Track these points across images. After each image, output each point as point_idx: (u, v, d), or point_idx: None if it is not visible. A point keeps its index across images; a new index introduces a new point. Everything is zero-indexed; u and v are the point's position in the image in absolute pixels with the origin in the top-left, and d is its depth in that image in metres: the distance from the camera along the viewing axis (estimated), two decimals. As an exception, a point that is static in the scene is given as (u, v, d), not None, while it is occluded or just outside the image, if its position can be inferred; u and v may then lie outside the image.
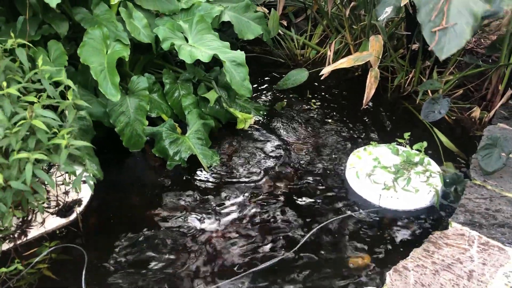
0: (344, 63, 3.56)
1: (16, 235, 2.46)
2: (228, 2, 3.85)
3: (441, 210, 2.71)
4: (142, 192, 2.89)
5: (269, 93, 3.92)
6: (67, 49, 2.98)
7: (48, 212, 2.60)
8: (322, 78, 3.81)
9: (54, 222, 2.57)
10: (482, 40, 4.26)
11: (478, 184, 2.63)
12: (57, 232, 2.55)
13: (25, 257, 2.38)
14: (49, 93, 2.44)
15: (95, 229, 2.61)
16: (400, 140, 3.08)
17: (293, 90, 3.90)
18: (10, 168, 2.19)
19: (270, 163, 3.13)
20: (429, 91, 3.58)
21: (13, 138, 2.18)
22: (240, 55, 3.22)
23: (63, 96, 2.56)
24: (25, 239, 2.46)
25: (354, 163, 2.98)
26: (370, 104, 3.71)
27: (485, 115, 3.36)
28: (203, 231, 2.60)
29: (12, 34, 2.54)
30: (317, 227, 2.61)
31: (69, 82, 2.47)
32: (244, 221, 2.67)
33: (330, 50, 3.94)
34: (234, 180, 2.99)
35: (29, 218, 2.54)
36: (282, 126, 3.50)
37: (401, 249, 2.47)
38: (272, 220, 2.68)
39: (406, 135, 3.05)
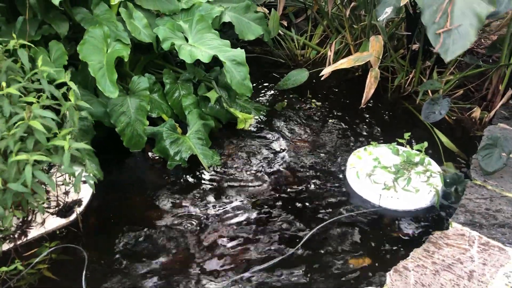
0: (344, 63, 3.57)
1: (16, 236, 2.46)
2: (228, 2, 3.86)
3: (441, 210, 2.70)
4: (143, 192, 2.89)
5: (270, 93, 3.92)
6: (68, 49, 2.98)
7: (48, 212, 2.60)
8: (322, 78, 3.81)
9: (54, 223, 2.56)
10: (482, 40, 4.26)
11: (478, 184, 2.63)
12: (57, 232, 2.55)
13: (25, 258, 2.38)
14: (47, 94, 2.44)
15: (95, 229, 2.61)
16: (400, 140, 3.07)
17: (294, 90, 3.90)
18: (9, 169, 2.19)
19: (270, 163, 3.13)
20: (429, 91, 3.59)
21: (10, 140, 2.18)
22: (240, 53, 3.22)
23: (63, 96, 2.57)
24: (25, 239, 2.46)
25: (354, 163, 2.97)
26: (371, 104, 3.71)
27: (486, 115, 3.36)
28: (203, 231, 2.60)
29: (14, 35, 2.53)
30: (317, 227, 2.60)
31: (71, 84, 2.47)
32: (244, 221, 2.67)
33: (331, 51, 3.94)
34: (235, 180, 2.98)
35: (29, 218, 2.54)
36: (282, 126, 3.50)
37: (401, 249, 2.47)
38: (272, 220, 2.68)
39: (407, 135, 3.05)
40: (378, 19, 3.21)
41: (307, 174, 3.03)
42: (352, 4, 3.98)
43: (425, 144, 2.95)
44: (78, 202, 2.68)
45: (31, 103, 2.31)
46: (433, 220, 2.66)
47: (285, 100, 3.80)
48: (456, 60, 3.69)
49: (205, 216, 2.70)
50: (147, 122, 3.08)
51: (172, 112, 3.32)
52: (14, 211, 2.33)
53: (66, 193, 2.72)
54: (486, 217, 2.39)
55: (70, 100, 2.44)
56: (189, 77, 3.41)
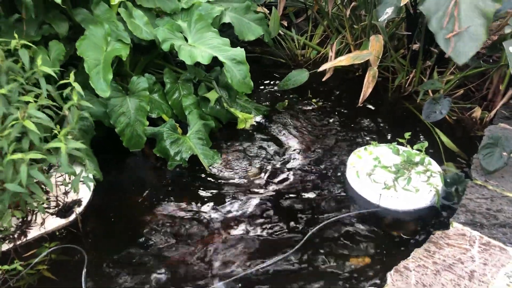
0: (343, 60, 3.57)
1: (16, 236, 2.45)
2: (228, 2, 3.85)
3: (442, 210, 2.70)
4: (142, 193, 2.88)
5: (270, 93, 3.92)
6: (68, 49, 2.98)
7: (48, 212, 2.60)
8: (323, 79, 3.82)
9: (53, 223, 2.56)
10: (481, 46, 4.25)
11: (479, 184, 2.62)
12: (57, 232, 2.55)
13: (25, 258, 2.38)
14: (44, 93, 2.44)
15: (95, 230, 2.60)
16: (400, 140, 3.07)
17: (294, 91, 3.89)
18: (5, 169, 2.18)
19: (270, 162, 3.12)
20: (430, 91, 3.58)
21: (4, 140, 2.17)
22: (240, 52, 3.22)
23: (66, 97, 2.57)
24: (24, 239, 2.46)
25: (355, 162, 2.97)
26: (371, 104, 3.71)
27: (486, 115, 3.36)
28: (203, 231, 2.60)
29: (15, 35, 2.53)
30: (318, 227, 2.60)
31: (75, 84, 2.46)
32: (245, 221, 2.66)
33: (331, 51, 3.94)
34: (235, 180, 2.98)
35: (29, 218, 2.54)
36: (282, 126, 3.50)
37: (402, 249, 2.47)
38: (272, 219, 2.67)
39: (407, 135, 3.04)
40: (379, 20, 3.21)
41: (307, 173, 3.03)
42: (353, 4, 3.97)
43: (426, 143, 2.94)
44: (77, 203, 2.68)
45: (27, 103, 2.31)
46: (433, 220, 2.65)
47: (286, 100, 3.79)
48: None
49: (205, 216, 2.70)
50: (147, 123, 3.08)
51: (172, 112, 3.32)
52: (14, 211, 2.33)
53: (66, 193, 2.71)
54: (487, 217, 2.38)
55: (73, 100, 2.44)
56: (190, 77, 3.41)
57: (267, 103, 3.78)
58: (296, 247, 2.48)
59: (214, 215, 2.71)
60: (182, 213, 2.72)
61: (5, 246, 2.39)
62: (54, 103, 2.55)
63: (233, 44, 3.46)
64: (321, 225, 2.61)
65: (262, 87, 4.01)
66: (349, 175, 2.92)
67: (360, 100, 3.59)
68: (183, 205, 2.78)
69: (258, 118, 3.56)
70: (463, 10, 2.71)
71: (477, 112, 3.39)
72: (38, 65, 2.44)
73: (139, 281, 2.30)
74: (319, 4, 4.28)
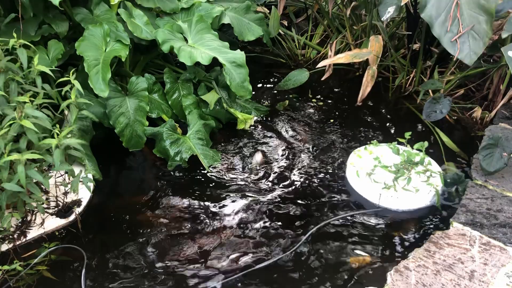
0: (342, 58, 3.56)
1: (15, 236, 2.45)
2: (228, 2, 3.85)
3: (442, 210, 2.69)
4: (142, 193, 2.88)
5: (270, 93, 3.92)
6: (67, 49, 2.98)
7: (47, 213, 2.59)
8: (322, 78, 3.81)
9: (53, 223, 2.56)
10: (488, 43, 4.24)
11: (479, 184, 2.62)
12: (57, 233, 2.54)
13: (24, 258, 2.38)
14: (40, 92, 2.44)
15: (95, 230, 2.60)
16: (401, 140, 3.07)
17: (294, 90, 3.89)
18: (1, 170, 2.18)
19: (270, 162, 3.12)
20: (430, 91, 3.58)
21: (1, 140, 2.17)
22: (240, 55, 3.21)
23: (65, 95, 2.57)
24: (24, 240, 2.45)
25: (355, 162, 2.97)
26: (372, 103, 3.71)
27: (487, 115, 3.35)
28: (203, 231, 2.60)
29: (14, 34, 2.52)
30: (317, 226, 2.60)
31: (75, 82, 2.46)
32: (244, 221, 2.66)
33: (331, 50, 3.93)
34: (235, 180, 2.98)
35: (29, 219, 2.53)
36: (283, 126, 3.49)
37: (402, 249, 2.47)
38: (272, 219, 2.67)
39: (407, 134, 3.04)
40: (382, 19, 3.20)
41: (307, 173, 3.02)
42: (353, 3, 3.97)
43: (426, 143, 2.94)
44: (77, 203, 2.67)
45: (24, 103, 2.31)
46: (433, 220, 2.65)
47: (287, 100, 3.78)
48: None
49: (205, 216, 2.69)
50: (147, 123, 3.07)
51: (172, 112, 3.32)
52: (13, 212, 2.32)
53: (65, 193, 2.71)
54: (487, 217, 2.38)
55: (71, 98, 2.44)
56: (189, 77, 3.41)
57: (267, 103, 3.78)
58: (296, 246, 2.48)
59: (214, 215, 2.70)
60: (181, 214, 2.71)
61: (5, 247, 2.39)
62: (53, 101, 2.55)
63: (233, 44, 3.45)
64: (320, 224, 2.61)
65: (262, 87, 4.00)
66: (349, 175, 2.92)
67: (359, 99, 3.59)
68: (183, 205, 2.78)
69: (259, 118, 3.55)
70: (465, 9, 2.71)
71: (478, 112, 3.39)
72: (35, 64, 2.43)
73: (139, 281, 2.30)
74: (319, 4, 4.28)
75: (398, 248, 2.48)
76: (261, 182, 2.96)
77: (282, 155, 3.19)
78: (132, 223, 2.65)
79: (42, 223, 2.53)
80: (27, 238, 2.46)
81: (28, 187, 2.23)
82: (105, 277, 2.32)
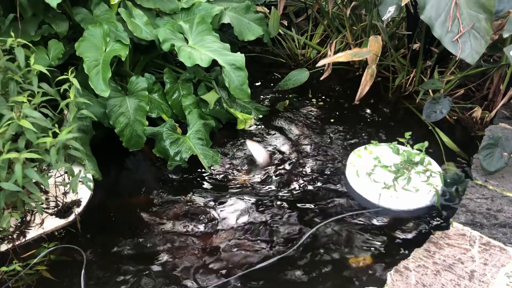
0: (341, 57, 3.55)
1: (14, 236, 2.45)
2: (228, 2, 3.85)
3: (442, 210, 2.69)
4: (142, 193, 2.88)
5: (270, 93, 3.91)
6: (67, 49, 2.98)
7: (47, 213, 2.59)
8: (321, 77, 3.81)
9: (53, 223, 2.55)
10: (489, 41, 4.24)
11: (479, 184, 2.61)
12: (56, 233, 2.54)
13: (24, 258, 2.37)
14: (36, 92, 2.43)
15: (94, 230, 2.59)
16: (401, 140, 3.06)
17: (294, 90, 3.88)
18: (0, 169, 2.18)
19: (270, 162, 3.11)
20: (430, 91, 3.57)
21: None
22: (240, 58, 3.21)
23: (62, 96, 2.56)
24: (23, 240, 2.45)
25: (354, 161, 2.96)
26: (372, 103, 3.70)
27: (487, 115, 3.35)
28: (203, 231, 2.59)
29: (12, 34, 2.52)
30: (317, 226, 2.59)
31: (74, 80, 2.46)
32: (244, 221, 2.66)
33: (331, 50, 3.93)
34: (235, 179, 2.98)
35: (28, 219, 2.53)
36: (282, 125, 3.49)
37: (401, 249, 2.46)
38: (272, 219, 2.67)
39: (407, 134, 3.04)
40: (382, 18, 3.20)
41: (307, 173, 3.02)
42: (353, 3, 3.97)
43: (426, 143, 2.94)
44: (77, 203, 2.67)
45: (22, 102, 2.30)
46: (433, 220, 2.65)
47: (287, 100, 3.78)
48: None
49: (205, 216, 2.69)
50: (147, 122, 3.07)
51: (172, 112, 3.32)
52: (12, 212, 2.32)
53: (65, 193, 2.71)
54: (487, 217, 2.38)
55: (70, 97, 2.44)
56: (189, 77, 3.40)
57: (267, 102, 3.77)
58: (295, 246, 2.47)
59: (214, 215, 2.70)
60: (181, 214, 2.71)
61: (4, 247, 2.39)
62: (52, 97, 2.55)
63: (233, 44, 3.45)
64: (320, 224, 2.61)
65: (262, 86, 4.00)
66: (348, 175, 2.91)
67: (357, 97, 3.59)
68: (183, 205, 2.77)
69: (259, 118, 3.55)
70: (464, 9, 2.71)
71: (478, 112, 3.39)
72: (31, 63, 2.43)
73: (138, 281, 2.30)
74: (319, 4, 4.28)
75: (398, 248, 2.48)
76: (260, 182, 2.95)
77: (281, 155, 3.18)
78: (131, 223, 2.65)
79: (41, 223, 2.53)
80: (27, 238, 2.46)
81: (27, 187, 2.23)
82: (105, 277, 2.32)
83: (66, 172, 2.54)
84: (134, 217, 2.69)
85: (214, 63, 3.18)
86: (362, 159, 2.98)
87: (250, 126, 3.45)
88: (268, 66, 4.33)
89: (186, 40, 3.31)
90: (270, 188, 2.91)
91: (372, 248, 2.48)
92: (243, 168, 3.08)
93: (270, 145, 3.28)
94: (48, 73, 2.54)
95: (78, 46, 2.83)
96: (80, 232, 2.55)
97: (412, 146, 2.98)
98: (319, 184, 2.94)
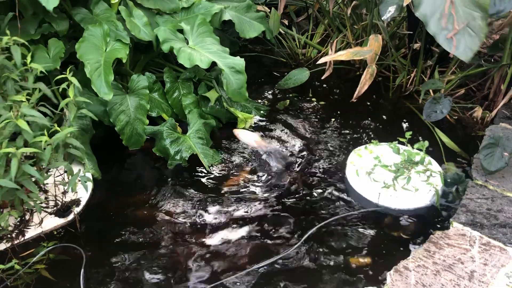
0: (342, 55, 3.55)
1: (13, 235, 2.45)
2: (228, 2, 3.84)
3: (441, 210, 2.69)
4: (142, 192, 2.87)
5: (270, 92, 3.91)
6: (68, 47, 2.98)
7: (46, 212, 2.59)
8: (323, 77, 3.81)
9: (52, 222, 2.55)
10: (484, 39, 4.23)
11: (479, 184, 2.61)
12: (55, 232, 2.54)
13: (23, 257, 2.37)
14: (31, 89, 2.43)
15: (94, 229, 2.59)
16: (401, 139, 3.06)
17: (295, 90, 3.88)
18: None
19: (270, 161, 3.11)
20: (430, 91, 3.57)
21: None
22: (239, 61, 3.19)
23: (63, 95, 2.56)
24: (22, 239, 2.45)
25: (355, 161, 2.96)
26: (372, 103, 3.70)
27: (487, 115, 3.35)
28: (203, 230, 2.59)
29: (7, 31, 2.52)
30: (317, 226, 2.59)
31: (73, 79, 2.45)
32: (244, 220, 2.66)
33: (332, 49, 3.93)
34: (235, 179, 2.97)
35: (27, 218, 2.53)
36: (283, 125, 3.48)
37: (401, 249, 2.46)
38: (271, 219, 2.67)
39: (408, 134, 3.03)
40: (382, 18, 3.19)
41: (307, 172, 3.02)
42: (354, 3, 3.96)
43: (426, 143, 2.93)
44: (76, 202, 2.67)
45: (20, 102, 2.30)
46: (433, 219, 2.65)
47: (288, 100, 3.77)
48: (458, 60, 3.67)
49: (205, 216, 2.69)
50: (147, 121, 3.07)
51: (172, 111, 3.31)
52: (11, 211, 2.32)
53: (64, 192, 2.70)
54: (487, 217, 2.38)
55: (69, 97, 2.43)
56: (190, 76, 3.40)
57: (268, 102, 3.77)
58: (295, 246, 2.47)
59: (214, 214, 2.70)
60: (182, 213, 2.71)
61: (3, 246, 2.39)
62: (51, 97, 2.55)
63: (234, 45, 3.43)
64: (320, 224, 2.61)
65: (263, 86, 3.99)
66: (348, 174, 2.91)
67: (355, 95, 3.59)
68: (183, 204, 2.77)
69: (259, 117, 3.54)
70: (460, 6, 2.70)
71: (478, 112, 3.38)
72: (28, 62, 2.42)
73: (138, 280, 2.30)
74: (320, 3, 4.27)
75: (398, 247, 2.48)
76: (260, 181, 2.95)
77: (282, 154, 3.18)
78: (131, 222, 2.65)
79: (40, 223, 2.53)
80: (25, 237, 2.46)
81: (25, 185, 2.22)
82: (104, 276, 2.32)
83: (65, 171, 2.54)
84: (133, 216, 2.69)
85: (214, 62, 3.18)
86: (362, 158, 2.98)
87: (250, 126, 3.45)
88: (268, 65, 4.33)
89: (187, 41, 3.31)
90: (270, 187, 2.90)
91: (371, 248, 2.48)
92: (243, 167, 3.07)
93: (269, 145, 3.28)
94: (46, 73, 2.53)
95: (78, 48, 2.83)
96: (80, 231, 2.55)
97: (412, 146, 2.97)
98: (319, 183, 2.93)
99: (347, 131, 3.41)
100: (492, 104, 3.46)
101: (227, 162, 3.12)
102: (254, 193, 2.86)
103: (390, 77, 3.87)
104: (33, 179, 2.33)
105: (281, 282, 2.29)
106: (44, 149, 2.26)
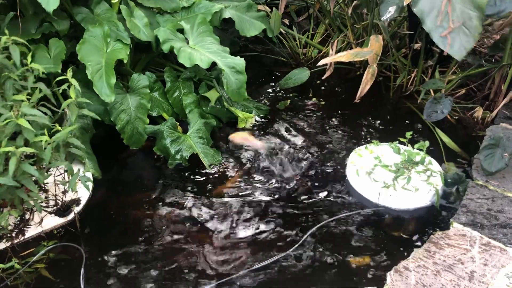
0: (343, 56, 3.54)
1: (13, 234, 2.45)
2: (229, 1, 3.84)
3: (441, 210, 2.69)
4: (142, 191, 2.87)
5: (271, 92, 3.91)
6: (68, 47, 2.98)
7: (46, 211, 2.59)
8: (323, 77, 3.80)
9: (52, 222, 2.55)
10: (485, 39, 4.23)
11: (480, 184, 2.61)
12: (55, 232, 2.54)
13: (23, 257, 2.37)
14: (32, 90, 2.43)
15: (94, 229, 2.59)
16: (402, 139, 3.06)
17: (295, 90, 3.88)
18: None
19: (270, 161, 3.11)
20: (431, 91, 3.56)
21: None
22: (240, 61, 3.20)
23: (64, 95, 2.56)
24: (22, 238, 2.45)
25: (355, 161, 2.96)
26: (373, 103, 3.70)
27: (488, 115, 3.34)
28: (204, 230, 2.59)
29: (6, 31, 2.51)
30: (317, 226, 2.59)
31: (72, 81, 2.45)
32: (244, 219, 2.66)
33: (332, 49, 3.92)
34: (235, 178, 2.97)
35: (27, 217, 2.53)
36: (283, 125, 3.48)
37: (401, 249, 2.46)
38: (271, 218, 2.67)
39: (408, 134, 3.03)
40: (381, 19, 3.19)
41: (308, 171, 3.02)
42: (354, 2, 3.96)
43: (427, 143, 2.93)
44: (76, 201, 2.67)
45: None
46: (433, 219, 2.64)
47: (288, 100, 3.77)
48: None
49: (205, 215, 2.69)
50: (148, 120, 3.08)
51: (173, 110, 3.31)
52: (11, 210, 2.32)
53: (64, 192, 2.70)
54: (488, 218, 2.37)
55: (70, 98, 2.43)
56: (190, 76, 3.40)
57: (268, 102, 3.76)
58: (295, 246, 2.47)
59: (214, 214, 2.70)
60: (182, 212, 2.71)
61: (3, 245, 2.39)
62: (51, 100, 2.55)
63: (234, 44, 3.43)
64: (320, 224, 2.61)
65: (263, 86, 3.99)
66: (349, 174, 2.91)
67: (357, 96, 3.59)
68: (183, 204, 2.77)
69: (260, 117, 3.54)
70: (457, 5, 2.70)
71: (479, 112, 3.38)
72: (28, 62, 2.42)
73: (138, 280, 2.30)
74: (321, 3, 4.27)
75: (398, 248, 2.47)
76: (261, 181, 2.95)
77: (282, 154, 3.18)
78: (131, 222, 2.65)
79: (40, 222, 2.53)
80: (25, 237, 2.46)
81: (25, 184, 2.22)
82: (104, 275, 2.32)
83: (66, 171, 2.54)
84: (133, 216, 2.69)
85: (215, 62, 3.18)
86: (362, 158, 2.98)
87: (250, 125, 3.45)
88: (269, 65, 4.33)
89: (187, 41, 3.31)
90: (270, 186, 2.90)
91: (371, 248, 2.47)
92: (243, 167, 3.07)
93: (269, 144, 3.27)
94: (44, 71, 2.53)
95: (79, 49, 2.84)
96: (80, 230, 2.55)
97: (413, 146, 2.97)
98: (319, 183, 2.93)
99: (348, 131, 3.41)
100: (492, 104, 3.45)
101: (227, 161, 3.12)
102: (254, 192, 2.86)
103: (391, 77, 3.87)
104: (33, 179, 2.33)
105: (281, 282, 2.29)
106: (45, 148, 2.26)
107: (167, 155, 3.06)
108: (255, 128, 3.43)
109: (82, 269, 2.31)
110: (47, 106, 2.49)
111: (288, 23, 4.58)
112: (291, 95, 3.85)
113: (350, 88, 3.89)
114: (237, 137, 3.31)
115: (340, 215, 2.68)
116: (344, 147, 3.25)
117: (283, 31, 4.36)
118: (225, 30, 4.05)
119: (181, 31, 3.34)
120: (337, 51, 4.02)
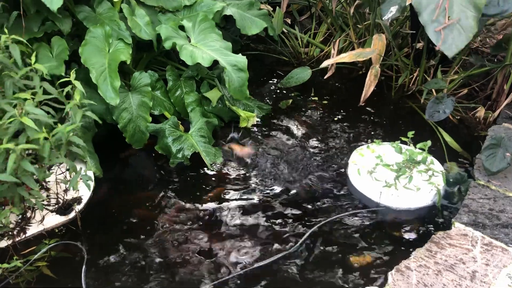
0: (345, 57, 3.54)
1: (15, 232, 2.45)
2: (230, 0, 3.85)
3: (443, 209, 2.68)
4: (144, 190, 2.88)
5: (273, 91, 3.91)
6: (71, 45, 2.98)
7: (47, 209, 2.59)
8: (325, 76, 3.80)
9: (53, 220, 2.55)
10: (487, 39, 4.23)
11: (482, 184, 2.61)
12: (56, 230, 2.54)
13: (24, 255, 2.37)
14: (38, 90, 2.43)
15: (95, 227, 2.59)
16: (404, 139, 3.05)
17: (297, 89, 3.88)
18: None
19: (272, 160, 3.11)
20: (433, 90, 3.56)
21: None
22: (241, 59, 3.19)
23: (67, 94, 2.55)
24: (24, 236, 2.45)
25: (356, 160, 2.95)
26: (375, 102, 3.69)
27: (490, 115, 3.34)
28: (204, 229, 2.59)
29: (6, 30, 2.51)
30: (318, 225, 2.59)
31: (76, 83, 2.45)
32: (245, 219, 2.65)
33: (334, 49, 3.92)
34: (236, 178, 2.97)
35: (28, 215, 2.53)
36: (285, 124, 3.48)
37: (403, 248, 2.45)
38: (272, 217, 2.66)
39: (410, 133, 3.03)
40: (383, 18, 3.19)
41: (309, 171, 3.02)
42: (356, 2, 3.96)
43: (428, 143, 2.93)
44: (77, 200, 2.67)
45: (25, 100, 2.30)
46: (434, 219, 2.64)
47: (291, 99, 3.77)
48: (461, 59, 3.66)
49: (206, 215, 2.69)
50: (150, 118, 3.08)
51: (175, 109, 3.31)
52: (12, 208, 2.32)
53: (66, 190, 2.70)
54: (489, 217, 2.37)
55: (74, 99, 2.43)
56: (192, 75, 3.40)
57: (270, 101, 3.76)
58: (296, 245, 2.47)
59: (215, 213, 2.70)
60: (183, 211, 2.71)
61: (4, 243, 2.39)
62: (54, 96, 2.54)
63: (236, 43, 3.42)
64: (321, 223, 2.60)
65: (265, 85, 3.99)
66: (350, 173, 2.91)
67: (362, 99, 3.58)
68: (184, 203, 2.77)
69: (261, 116, 3.54)
70: (455, 1, 2.70)
71: (481, 112, 3.37)
72: (32, 61, 2.42)
73: (139, 279, 2.30)
74: (323, 2, 4.26)
75: (399, 247, 2.47)
76: (262, 180, 2.95)
77: (283, 153, 3.18)
78: (132, 220, 2.65)
79: (41, 220, 2.53)
80: (27, 235, 2.46)
81: (25, 182, 2.21)
82: (105, 274, 2.32)
83: (67, 169, 2.54)
84: (135, 214, 2.69)
85: (217, 61, 3.18)
86: (364, 157, 2.97)
87: (252, 124, 3.44)
88: (271, 64, 4.33)
89: (189, 38, 3.31)
90: (272, 186, 2.90)
91: (372, 247, 2.47)
92: (245, 166, 3.07)
93: (272, 143, 3.28)
94: (47, 72, 2.52)
95: (82, 52, 2.86)
96: (81, 229, 2.55)
97: (415, 145, 2.97)
98: (320, 182, 2.93)
99: (349, 130, 3.41)
100: (495, 104, 3.45)
101: (229, 160, 3.12)
102: (255, 192, 2.86)
103: (393, 76, 3.87)
104: (35, 177, 2.33)
105: (281, 281, 2.29)
106: (44, 145, 2.26)
107: (168, 154, 3.06)
108: (257, 128, 3.43)
109: (84, 268, 2.31)
110: (50, 105, 2.49)
111: (290, 22, 4.57)
112: (293, 94, 3.84)
113: (352, 88, 3.89)
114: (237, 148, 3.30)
115: (341, 214, 2.68)
116: (346, 146, 3.24)
117: (285, 30, 4.36)
118: (226, 29, 4.05)
119: (183, 29, 3.34)
120: (339, 51, 4.02)
